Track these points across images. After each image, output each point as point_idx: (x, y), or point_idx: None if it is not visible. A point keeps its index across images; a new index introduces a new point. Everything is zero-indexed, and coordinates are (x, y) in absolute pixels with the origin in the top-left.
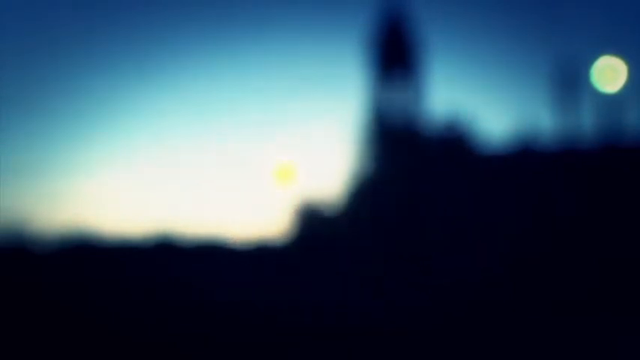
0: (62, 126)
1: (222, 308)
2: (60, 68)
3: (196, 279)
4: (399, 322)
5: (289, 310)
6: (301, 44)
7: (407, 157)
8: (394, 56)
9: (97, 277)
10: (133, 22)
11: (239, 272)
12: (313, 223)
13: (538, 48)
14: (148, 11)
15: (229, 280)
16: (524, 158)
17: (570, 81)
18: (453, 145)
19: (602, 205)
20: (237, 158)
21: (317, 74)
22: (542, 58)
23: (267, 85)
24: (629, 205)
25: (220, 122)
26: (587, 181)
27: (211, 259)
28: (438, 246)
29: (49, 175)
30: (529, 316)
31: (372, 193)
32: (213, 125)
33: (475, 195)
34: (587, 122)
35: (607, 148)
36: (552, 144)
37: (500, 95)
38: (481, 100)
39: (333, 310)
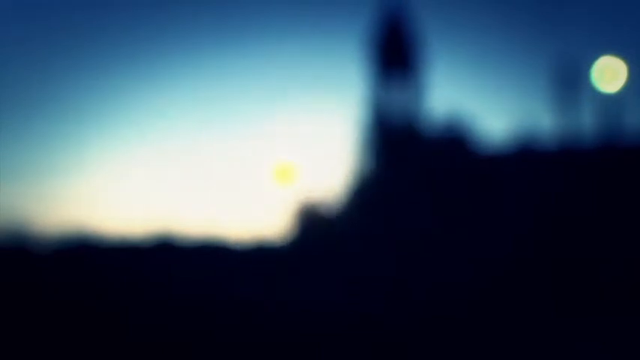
0: (62, 126)
1: (223, 308)
2: (59, 68)
3: (196, 279)
4: (399, 322)
5: (289, 310)
6: (301, 44)
7: (407, 157)
8: (394, 56)
9: (97, 277)
10: (132, 21)
11: (239, 272)
12: (313, 223)
13: (538, 48)
14: (146, 11)
15: (229, 280)
16: (524, 158)
17: (570, 81)
18: (453, 145)
19: (603, 205)
20: (237, 158)
21: (317, 74)
22: (542, 58)
23: (267, 85)
24: (630, 205)
25: (220, 122)
26: (587, 180)
27: (211, 259)
28: (438, 246)
29: (48, 175)
30: (530, 316)
31: (372, 193)
32: (213, 125)
33: (475, 195)
34: (587, 122)
35: (607, 148)
36: (552, 144)
37: (501, 95)
38: (481, 100)
39: (333, 310)
